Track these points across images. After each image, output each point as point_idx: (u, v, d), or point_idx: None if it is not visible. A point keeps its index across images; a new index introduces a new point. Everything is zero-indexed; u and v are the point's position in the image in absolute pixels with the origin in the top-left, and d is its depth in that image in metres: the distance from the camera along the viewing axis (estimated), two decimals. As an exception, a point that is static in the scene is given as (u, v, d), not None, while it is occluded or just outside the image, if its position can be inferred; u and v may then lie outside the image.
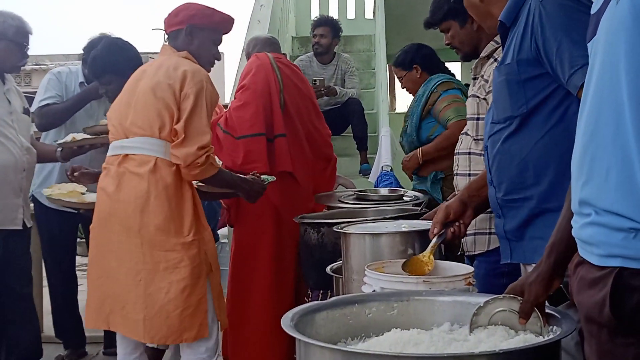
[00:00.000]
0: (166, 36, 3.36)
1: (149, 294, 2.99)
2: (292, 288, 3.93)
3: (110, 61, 3.69)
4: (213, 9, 3.30)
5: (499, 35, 2.74)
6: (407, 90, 4.00)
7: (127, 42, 3.82)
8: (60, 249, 4.38)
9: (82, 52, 4.28)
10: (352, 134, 6.69)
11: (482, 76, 2.79)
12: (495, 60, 2.70)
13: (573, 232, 1.38)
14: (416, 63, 3.86)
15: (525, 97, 2.10)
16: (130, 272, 3.01)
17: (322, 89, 6.39)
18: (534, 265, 1.58)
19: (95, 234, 3.15)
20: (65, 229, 4.33)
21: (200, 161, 2.98)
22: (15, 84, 4.02)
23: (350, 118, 6.63)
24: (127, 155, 3.08)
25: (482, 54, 2.84)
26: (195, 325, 3.02)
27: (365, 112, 6.73)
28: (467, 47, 2.95)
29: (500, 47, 2.70)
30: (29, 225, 3.88)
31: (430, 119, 3.77)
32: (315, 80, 6.43)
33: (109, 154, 3.19)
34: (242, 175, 3.38)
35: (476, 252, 2.80)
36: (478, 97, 2.79)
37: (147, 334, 3.01)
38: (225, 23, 3.35)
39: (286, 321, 1.49)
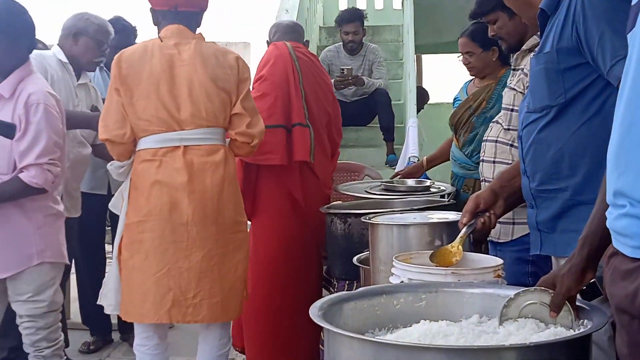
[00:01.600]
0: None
1: (222, 275, 3.12)
2: (316, 280, 3.89)
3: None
4: None
5: None
6: (470, 70, 3.77)
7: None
8: (90, 235, 4.40)
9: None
10: (378, 125, 6.66)
11: (522, 69, 2.76)
12: None
13: (607, 223, 1.36)
14: (496, 45, 3.55)
15: (564, 86, 2.06)
16: (205, 259, 3.08)
17: (350, 79, 6.37)
18: (565, 258, 1.56)
19: (153, 227, 3.07)
20: (94, 215, 4.35)
21: (263, 137, 3.32)
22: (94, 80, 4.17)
23: (377, 109, 6.61)
24: (187, 146, 3.10)
25: (524, 47, 2.81)
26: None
27: (392, 102, 6.70)
28: (514, 39, 2.91)
29: None
30: (67, 215, 3.89)
31: None
32: (343, 70, 6.41)
33: (152, 146, 3.10)
34: None
35: (500, 240, 2.79)
36: (515, 89, 2.78)
37: (224, 314, 3.17)
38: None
39: (314, 311, 1.49)
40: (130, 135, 3.09)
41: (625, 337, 1.33)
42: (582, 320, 1.50)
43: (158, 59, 3.11)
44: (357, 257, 2.67)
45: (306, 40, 4.50)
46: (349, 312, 1.60)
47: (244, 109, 3.19)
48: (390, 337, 1.53)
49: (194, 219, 3.05)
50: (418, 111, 7.74)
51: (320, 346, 3.47)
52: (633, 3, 1.35)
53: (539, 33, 2.75)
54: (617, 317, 1.35)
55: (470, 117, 3.60)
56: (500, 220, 2.70)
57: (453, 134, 3.77)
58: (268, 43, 4.21)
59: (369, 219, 2.34)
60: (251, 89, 3.66)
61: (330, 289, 3.50)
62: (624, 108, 1.30)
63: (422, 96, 7.87)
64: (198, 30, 3.27)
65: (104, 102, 3.34)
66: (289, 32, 4.19)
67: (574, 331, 1.47)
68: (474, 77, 3.81)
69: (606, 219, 1.37)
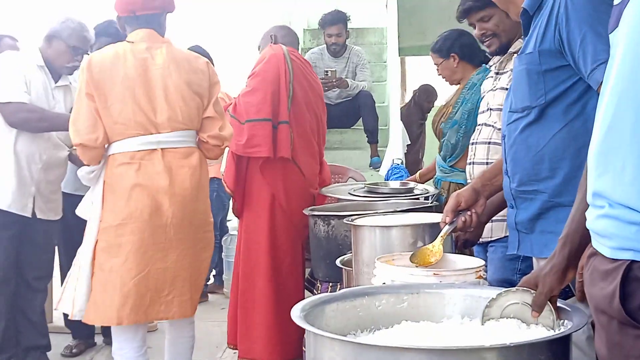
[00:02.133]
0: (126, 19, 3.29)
1: (192, 273, 3.25)
2: (300, 277, 3.97)
3: None
4: None
5: None
6: (444, 79, 3.89)
7: None
8: (74, 236, 4.35)
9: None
10: (362, 127, 6.67)
11: (513, 70, 2.77)
12: None
13: (587, 224, 1.37)
14: (454, 52, 3.72)
15: (545, 88, 2.07)
16: (179, 258, 3.18)
17: (334, 81, 6.38)
18: (543, 259, 1.57)
19: (133, 229, 3.08)
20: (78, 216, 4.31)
21: (231, 140, 3.53)
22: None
23: (361, 111, 6.62)
24: (164, 149, 3.15)
25: (511, 49, 2.83)
26: None
27: (376, 105, 6.71)
28: (506, 38, 2.91)
29: None
30: (40, 217, 3.88)
31: None
32: (327, 72, 6.41)
33: (129, 149, 3.12)
34: None
35: (492, 238, 2.80)
36: (507, 90, 2.78)
37: (192, 310, 3.29)
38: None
39: (296, 312, 1.49)
40: (103, 140, 3.11)
41: (604, 337, 1.33)
42: (562, 321, 1.50)
43: (132, 62, 3.15)
44: (340, 259, 2.68)
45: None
46: (331, 313, 1.60)
47: (216, 112, 3.32)
48: (372, 339, 1.54)
49: (173, 221, 3.14)
50: (428, 111, 7.78)
51: (303, 347, 3.46)
52: (615, 3, 1.36)
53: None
54: (596, 318, 1.36)
55: (439, 124, 3.68)
56: (493, 218, 2.72)
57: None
58: (259, 48, 4.23)
59: (352, 220, 2.34)
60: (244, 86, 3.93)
61: (314, 290, 3.50)
62: (605, 109, 1.31)
63: (430, 94, 7.87)
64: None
65: None
66: (286, 36, 4.24)
67: (555, 331, 1.48)
68: (453, 84, 3.90)
69: (586, 218, 1.38)
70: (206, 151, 3.33)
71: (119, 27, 3.38)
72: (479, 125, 3.02)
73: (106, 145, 3.15)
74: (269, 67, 3.92)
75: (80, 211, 3.32)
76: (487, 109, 2.94)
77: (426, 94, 7.93)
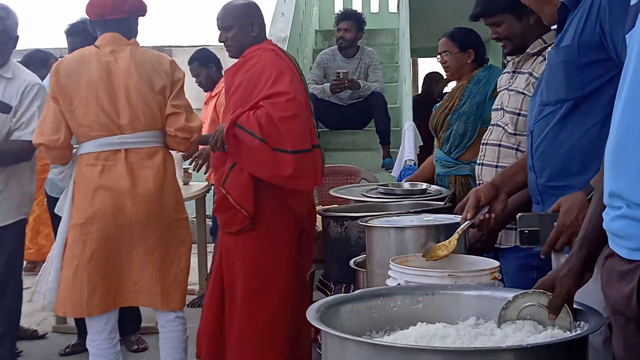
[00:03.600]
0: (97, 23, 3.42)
1: (164, 269, 3.35)
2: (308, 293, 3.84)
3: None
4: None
5: (546, 34, 2.73)
6: (445, 69, 3.83)
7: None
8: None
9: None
10: (374, 128, 6.67)
11: (532, 74, 2.76)
12: (545, 58, 2.67)
13: (604, 224, 1.36)
14: (473, 48, 3.68)
15: (582, 81, 2.04)
16: (146, 254, 3.32)
17: (345, 82, 6.38)
18: (566, 255, 1.56)
19: (98, 229, 3.25)
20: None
21: (201, 132, 3.55)
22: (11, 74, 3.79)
23: (373, 112, 6.62)
24: (127, 150, 3.31)
25: (529, 50, 2.81)
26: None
27: (388, 106, 6.71)
28: (519, 42, 2.88)
29: (549, 46, 2.68)
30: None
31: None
32: (339, 73, 6.42)
33: (94, 150, 3.27)
34: None
35: (502, 246, 2.79)
36: (524, 94, 2.77)
37: (165, 303, 3.38)
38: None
39: (311, 313, 1.49)
40: (65, 141, 3.28)
41: (621, 338, 1.33)
42: (579, 322, 1.50)
43: (95, 66, 3.30)
44: (353, 260, 2.67)
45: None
46: (345, 314, 1.60)
47: (176, 107, 3.39)
48: (387, 340, 1.53)
49: (137, 219, 3.29)
50: (439, 95, 7.72)
51: (317, 349, 3.46)
52: (632, 3, 1.35)
53: (542, 37, 2.78)
54: (613, 319, 1.35)
55: (445, 117, 3.65)
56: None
57: (435, 138, 3.79)
58: (228, 35, 3.61)
59: (366, 222, 2.34)
60: (268, 101, 3.40)
61: (327, 292, 3.50)
62: (622, 110, 1.31)
63: (434, 76, 7.84)
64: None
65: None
66: (264, 30, 3.75)
67: (572, 333, 1.47)
68: (449, 78, 3.86)
69: (603, 220, 1.38)
70: (176, 145, 3.43)
71: (91, 31, 3.48)
72: (492, 124, 3.00)
73: (76, 146, 3.36)
74: (297, 87, 3.51)
75: (58, 209, 3.44)
76: (501, 108, 2.93)
77: (430, 78, 7.91)
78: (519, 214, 2.11)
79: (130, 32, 3.42)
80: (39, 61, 4.87)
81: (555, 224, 1.97)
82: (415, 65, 11.55)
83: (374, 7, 9.73)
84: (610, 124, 1.36)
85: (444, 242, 2.04)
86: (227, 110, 3.59)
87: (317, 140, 3.61)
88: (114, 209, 3.26)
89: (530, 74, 2.78)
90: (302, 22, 7.86)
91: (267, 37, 3.72)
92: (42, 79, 4.17)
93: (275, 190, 3.48)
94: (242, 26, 3.56)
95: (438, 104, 3.85)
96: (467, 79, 3.67)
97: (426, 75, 8.12)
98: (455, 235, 2.05)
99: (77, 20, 4.30)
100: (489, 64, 3.77)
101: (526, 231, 2.03)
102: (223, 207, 3.49)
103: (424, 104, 7.10)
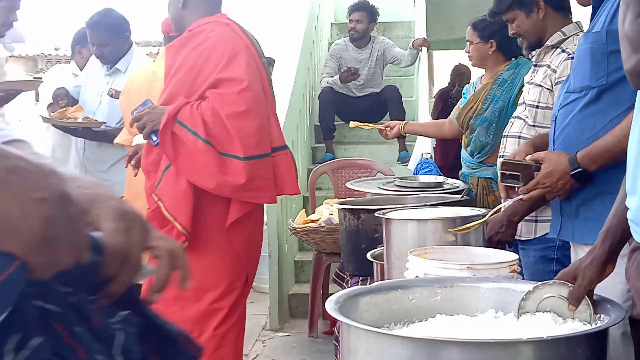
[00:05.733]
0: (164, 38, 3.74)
1: None
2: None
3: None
4: None
5: (565, 27, 2.72)
6: (469, 59, 3.82)
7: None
8: None
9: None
10: (385, 121, 6.67)
11: (549, 66, 2.75)
12: (563, 51, 2.67)
13: (628, 214, 1.35)
14: (494, 38, 3.65)
15: (608, 69, 2.03)
16: None
17: (355, 75, 6.46)
18: (583, 245, 1.56)
19: None
20: None
21: None
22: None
23: (388, 105, 6.61)
24: None
25: (548, 43, 2.80)
26: None
27: (404, 99, 6.69)
28: (532, 37, 2.88)
29: (568, 38, 2.67)
30: None
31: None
32: (350, 69, 6.44)
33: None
34: None
35: (522, 238, 2.79)
36: (542, 86, 2.76)
37: None
38: None
39: (330, 305, 1.49)
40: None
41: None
42: (599, 315, 1.49)
43: (144, 74, 3.61)
44: (371, 252, 2.67)
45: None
46: (364, 306, 1.59)
47: None
48: (407, 331, 1.53)
49: None
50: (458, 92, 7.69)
51: (334, 342, 3.47)
52: None
53: (562, 30, 2.76)
54: None
55: (469, 120, 3.63)
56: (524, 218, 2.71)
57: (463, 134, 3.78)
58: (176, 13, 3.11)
59: (383, 214, 2.34)
60: (213, 89, 2.89)
61: (343, 284, 3.50)
62: None
63: (462, 76, 7.78)
64: None
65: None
66: (212, 2, 3.10)
67: (592, 325, 1.47)
68: (475, 66, 3.84)
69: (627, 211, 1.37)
70: None
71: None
72: (514, 116, 3.00)
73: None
74: (253, 71, 2.90)
75: None
76: (522, 102, 2.93)
77: (457, 70, 7.82)
78: (502, 159, 2.29)
79: None
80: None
81: (535, 175, 2.15)
82: (431, 58, 11.51)
83: (390, 0, 9.70)
84: (634, 115, 1.35)
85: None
86: (163, 93, 3.02)
87: (283, 141, 3.05)
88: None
89: (548, 67, 2.77)
90: (318, 14, 7.85)
91: (217, 11, 3.08)
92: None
93: (224, 202, 2.97)
94: None
95: (464, 101, 3.82)
96: (493, 73, 3.64)
97: (453, 67, 8.07)
98: (490, 212, 2.17)
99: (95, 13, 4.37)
100: (517, 58, 3.70)
101: (507, 173, 2.23)
102: (156, 220, 2.88)
103: (452, 97, 7.10)
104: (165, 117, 2.85)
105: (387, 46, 6.84)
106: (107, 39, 4.09)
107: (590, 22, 2.18)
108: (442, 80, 8.65)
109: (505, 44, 3.65)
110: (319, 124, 6.90)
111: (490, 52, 3.66)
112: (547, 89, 2.72)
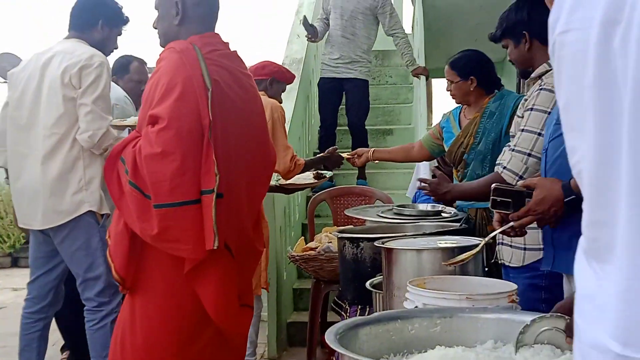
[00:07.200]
0: None
1: None
2: None
3: None
4: (287, 69, 4.71)
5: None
6: (452, 97, 3.85)
7: None
8: None
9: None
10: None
11: (527, 98, 2.78)
12: (541, 83, 2.70)
13: None
14: (475, 74, 3.67)
15: None
16: None
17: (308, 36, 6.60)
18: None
19: None
20: None
21: (292, 167, 4.33)
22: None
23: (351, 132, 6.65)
24: None
25: (533, 75, 2.83)
26: None
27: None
28: (520, 66, 2.93)
29: (550, 70, 2.70)
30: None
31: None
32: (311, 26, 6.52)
33: None
34: None
35: (511, 265, 2.79)
36: (518, 115, 2.81)
37: None
38: (292, 79, 4.78)
39: (330, 336, 1.49)
40: None
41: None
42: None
43: None
44: (369, 281, 2.67)
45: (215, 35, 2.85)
46: (364, 337, 1.60)
47: None
48: (406, 363, 1.54)
49: None
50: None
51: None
52: None
53: (548, 61, 2.79)
54: None
55: (462, 155, 3.64)
56: (513, 244, 2.73)
57: (453, 168, 3.79)
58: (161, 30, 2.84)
59: (383, 243, 2.34)
60: (146, 126, 2.60)
61: (342, 313, 3.50)
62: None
63: None
64: None
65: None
66: (198, 5, 2.76)
67: (590, 357, 1.47)
68: (460, 104, 3.85)
69: None
70: None
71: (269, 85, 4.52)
72: (505, 147, 3.03)
73: None
74: (184, 106, 2.55)
75: None
76: (511, 133, 2.96)
77: None
78: (494, 185, 2.29)
79: (265, 90, 4.41)
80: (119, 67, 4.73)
81: (527, 202, 2.17)
82: (429, 86, 11.57)
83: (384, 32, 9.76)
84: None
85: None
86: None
87: (213, 183, 2.54)
88: None
89: (526, 99, 2.80)
90: (318, 43, 7.89)
91: (209, 30, 2.78)
92: (126, 84, 4.48)
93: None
94: (166, 7, 2.77)
95: (446, 132, 3.85)
96: (479, 108, 3.65)
97: None
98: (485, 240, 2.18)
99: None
100: (501, 90, 3.72)
101: (498, 199, 2.24)
102: None
103: None
104: (110, 153, 2.74)
105: (380, 3, 6.57)
106: None
107: None
108: (441, 108, 8.68)
109: (486, 79, 3.68)
110: (318, 151, 6.92)
111: (471, 89, 3.68)
112: (520, 116, 2.76)
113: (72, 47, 3.65)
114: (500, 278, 2.59)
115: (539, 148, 2.55)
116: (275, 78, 4.54)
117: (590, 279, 1.02)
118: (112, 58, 4.19)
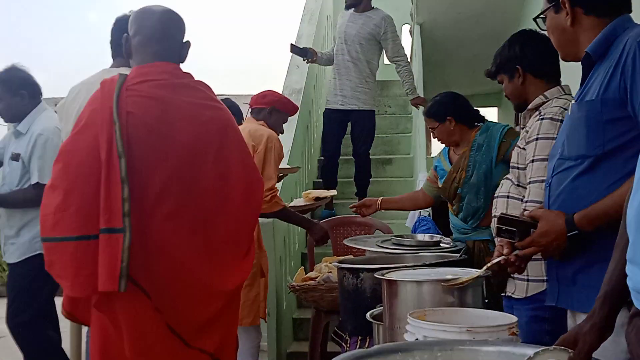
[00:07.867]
0: (249, 109, 4.56)
1: None
2: None
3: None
4: (288, 99, 4.74)
5: (548, 90, 2.78)
6: (440, 141, 3.93)
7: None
8: None
9: None
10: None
11: (527, 130, 2.80)
12: (540, 113, 2.72)
13: (630, 282, 1.36)
14: (450, 114, 3.76)
15: (604, 138, 2.03)
16: None
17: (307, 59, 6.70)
18: (581, 313, 1.57)
19: None
20: None
21: (266, 199, 3.99)
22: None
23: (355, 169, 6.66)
24: None
25: (530, 106, 2.86)
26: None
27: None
28: (515, 100, 2.97)
29: (548, 101, 2.73)
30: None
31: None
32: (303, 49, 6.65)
33: None
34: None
35: (515, 296, 2.79)
36: (519, 147, 2.82)
37: None
38: (294, 110, 4.68)
39: (331, 369, 1.49)
40: None
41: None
42: (598, 380, 1.50)
43: None
44: (370, 312, 2.67)
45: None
46: (365, 369, 1.60)
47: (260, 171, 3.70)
48: (407, 396, 1.53)
49: None
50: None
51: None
52: None
53: (545, 93, 2.82)
54: None
55: (456, 189, 3.67)
56: (515, 275, 2.72)
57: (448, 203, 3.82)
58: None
59: (383, 275, 2.35)
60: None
61: (342, 344, 3.48)
62: None
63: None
64: None
65: None
66: (148, 44, 2.71)
67: (591, 390, 1.47)
68: (450, 146, 3.90)
69: (625, 275, 1.38)
70: None
71: (268, 114, 4.51)
72: (504, 178, 3.04)
73: None
74: (78, 141, 2.51)
75: None
76: (511, 165, 2.98)
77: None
78: (500, 214, 2.31)
79: (265, 119, 4.48)
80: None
81: (532, 232, 2.18)
82: (428, 115, 11.62)
83: (387, 59, 9.83)
84: (634, 183, 1.36)
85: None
86: None
87: (119, 221, 2.42)
88: None
89: (527, 131, 2.82)
90: (317, 74, 7.95)
91: (156, 59, 2.68)
92: None
93: None
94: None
95: (440, 171, 3.90)
96: (466, 143, 3.71)
97: None
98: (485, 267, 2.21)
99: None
100: (485, 122, 3.78)
101: (504, 228, 2.26)
102: None
103: None
104: None
105: (385, 28, 6.53)
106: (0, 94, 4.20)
107: (581, 86, 2.21)
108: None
109: (462, 115, 3.77)
110: (319, 180, 6.93)
111: (452, 128, 3.76)
112: (522, 148, 2.78)
113: None
114: (501, 311, 2.58)
115: None
116: (275, 107, 4.52)
117: None
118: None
